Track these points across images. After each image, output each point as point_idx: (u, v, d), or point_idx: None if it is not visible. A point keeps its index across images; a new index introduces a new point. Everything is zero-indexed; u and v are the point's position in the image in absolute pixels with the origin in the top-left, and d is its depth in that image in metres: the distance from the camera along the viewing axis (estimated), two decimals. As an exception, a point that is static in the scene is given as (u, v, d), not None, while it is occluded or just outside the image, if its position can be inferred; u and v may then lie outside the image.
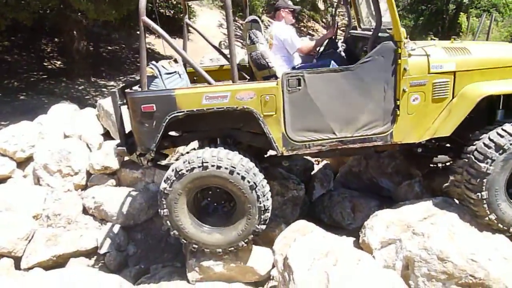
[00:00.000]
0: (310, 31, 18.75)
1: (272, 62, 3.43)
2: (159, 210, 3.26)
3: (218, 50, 4.49)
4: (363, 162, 4.41)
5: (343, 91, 3.14)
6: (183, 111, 3.06)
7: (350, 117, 3.20)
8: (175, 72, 3.64)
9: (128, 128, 3.37)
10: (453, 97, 3.18)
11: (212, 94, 3.05)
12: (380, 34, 3.21)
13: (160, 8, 12.88)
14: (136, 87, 3.37)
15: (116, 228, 4.37)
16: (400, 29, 3.02)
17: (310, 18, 20.30)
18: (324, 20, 20.19)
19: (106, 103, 5.04)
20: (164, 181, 3.18)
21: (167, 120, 3.07)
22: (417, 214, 3.17)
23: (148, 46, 12.56)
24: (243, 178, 3.07)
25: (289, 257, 2.95)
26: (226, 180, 3.09)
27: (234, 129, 3.39)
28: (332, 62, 3.82)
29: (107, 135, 5.12)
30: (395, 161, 4.30)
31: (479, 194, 3.00)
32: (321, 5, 20.85)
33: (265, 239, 3.60)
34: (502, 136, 2.96)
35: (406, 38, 3.10)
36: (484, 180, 2.97)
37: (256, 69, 3.54)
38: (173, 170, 3.15)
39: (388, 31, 3.19)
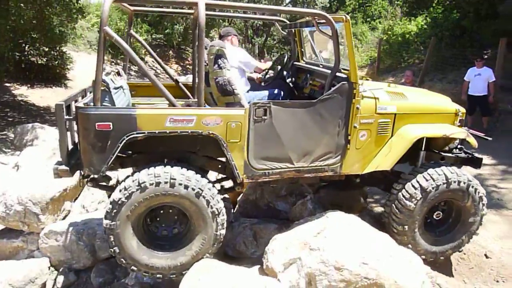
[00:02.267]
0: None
1: (238, 89, 3.45)
2: (109, 249, 3.02)
3: (166, 71, 4.60)
4: (258, 189, 4.53)
5: (304, 124, 3.32)
6: (144, 132, 2.92)
7: (308, 149, 3.41)
8: (120, 86, 3.45)
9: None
10: (391, 135, 3.64)
11: (177, 117, 2.97)
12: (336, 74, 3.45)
13: (30, 56, 11.98)
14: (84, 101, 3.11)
15: (-4, 311, 3.75)
16: (357, 72, 3.32)
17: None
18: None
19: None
20: (105, 217, 2.95)
21: (124, 141, 2.87)
22: (311, 230, 3.33)
23: (20, 98, 11.44)
24: (186, 187, 2.97)
25: (195, 299, 2.86)
26: (170, 195, 2.97)
27: (189, 152, 3.32)
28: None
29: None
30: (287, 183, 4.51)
31: (402, 226, 3.57)
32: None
33: (168, 284, 3.46)
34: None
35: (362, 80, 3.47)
36: (408, 215, 3.55)
37: (220, 95, 3.52)
38: (111, 203, 2.95)
39: (344, 71, 3.47)
